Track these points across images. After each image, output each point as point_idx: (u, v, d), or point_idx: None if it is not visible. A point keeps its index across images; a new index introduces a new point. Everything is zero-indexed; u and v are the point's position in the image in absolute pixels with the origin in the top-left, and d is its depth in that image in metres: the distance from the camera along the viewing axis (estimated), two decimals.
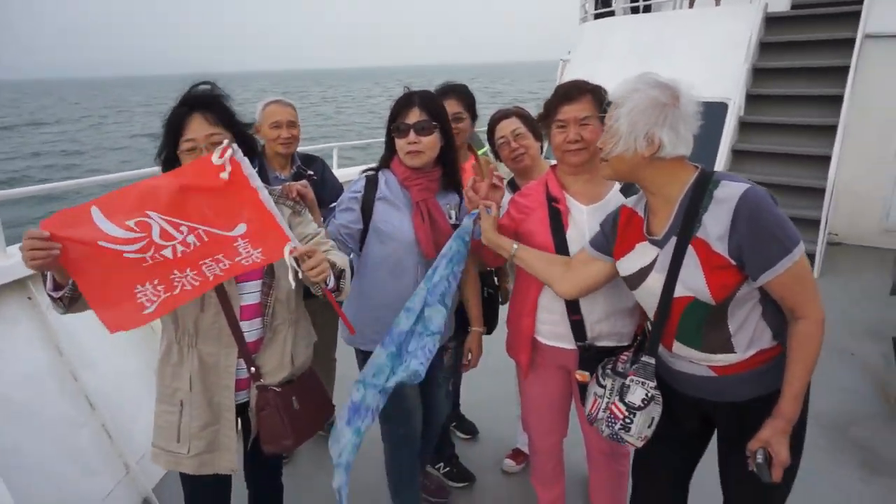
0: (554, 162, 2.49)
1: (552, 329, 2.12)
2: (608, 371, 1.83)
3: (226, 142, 1.60)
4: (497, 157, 2.64)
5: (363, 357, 2.29)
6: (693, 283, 1.54)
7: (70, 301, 1.60)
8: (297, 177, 2.86)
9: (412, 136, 2.11)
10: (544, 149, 2.56)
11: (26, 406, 2.79)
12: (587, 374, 1.98)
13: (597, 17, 8.98)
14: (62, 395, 2.97)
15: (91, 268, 1.51)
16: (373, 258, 2.23)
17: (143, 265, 1.55)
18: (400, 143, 2.14)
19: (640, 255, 1.68)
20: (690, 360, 1.66)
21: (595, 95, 1.97)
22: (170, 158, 1.78)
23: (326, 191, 2.87)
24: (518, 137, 2.46)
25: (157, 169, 1.82)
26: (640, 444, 1.72)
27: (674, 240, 1.58)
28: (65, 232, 1.46)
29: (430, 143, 2.12)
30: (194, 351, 1.81)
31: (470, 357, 2.44)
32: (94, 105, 69.00)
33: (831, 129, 5.76)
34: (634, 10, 8.51)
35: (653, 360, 1.72)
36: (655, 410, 1.69)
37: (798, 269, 1.48)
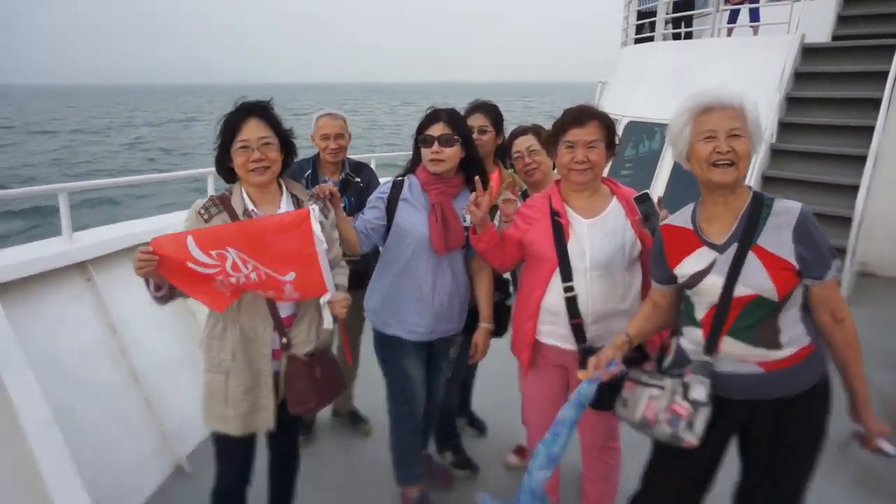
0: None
1: (553, 330, 2.31)
2: (655, 373, 1.95)
3: (314, 209, 1.99)
4: (514, 168, 2.88)
5: (379, 338, 2.65)
6: (758, 281, 1.74)
7: (167, 298, 2.05)
8: (344, 182, 3.19)
9: (436, 146, 2.41)
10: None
11: (81, 374, 3.13)
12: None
13: (637, 41, 9.15)
14: (112, 368, 3.31)
15: (181, 278, 1.97)
16: (392, 251, 2.56)
17: (211, 283, 2.00)
18: (425, 152, 2.45)
19: (695, 260, 1.86)
20: (740, 358, 1.81)
21: (601, 121, 2.19)
22: (222, 155, 2.09)
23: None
24: (532, 153, 2.71)
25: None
26: (698, 442, 1.80)
27: (735, 246, 1.79)
28: (164, 251, 1.91)
29: (452, 154, 2.43)
30: (236, 325, 2.11)
31: (475, 351, 2.66)
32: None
33: (861, 160, 5.77)
34: (675, 37, 8.66)
35: (711, 359, 1.84)
36: (711, 408, 1.80)
37: (836, 278, 1.80)
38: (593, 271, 2.18)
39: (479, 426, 3.59)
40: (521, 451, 3.28)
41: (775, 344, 1.79)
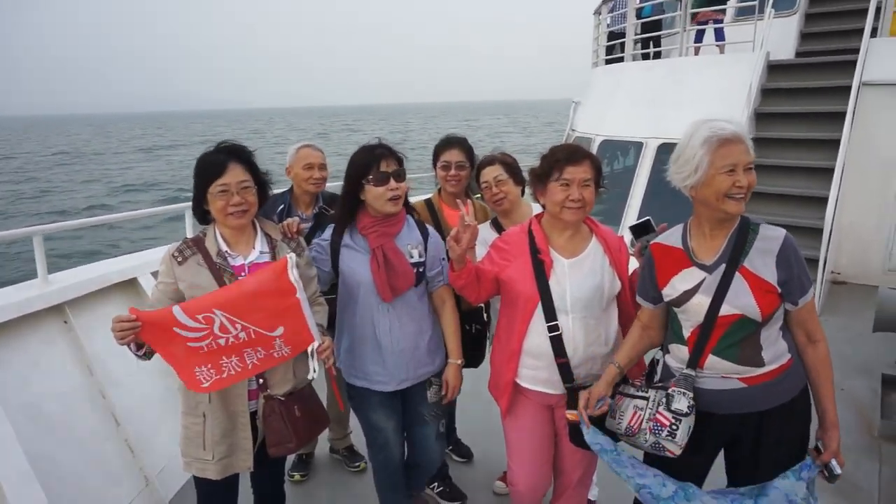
0: (539, 207, 2.73)
1: (534, 374, 2.27)
2: (641, 386, 2.05)
3: (291, 257, 2.00)
4: (482, 197, 2.90)
5: (348, 388, 2.53)
6: (743, 302, 1.82)
7: (151, 354, 2.04)
8: (318, 216, 3.15)
9: (392, 183, 2.29)
10: (525, 192, 2.81)
11: (59, 419, 3.08)
12: (577, 413, 2.14)
13: (607, 62, 9.34)
14: (91, 411, 3.25)
15: (167, 346, 1.97)
16: (343, 300, 2.46)
17: (200, 352, 1.99)
18: (380, 190, 2.29)
19: (684, 280, 1.93)
20: (722, 374, 1.90)
21: (593, 161, 2.17)
22: (198, 196, 2.08)
23: None
24: (499, 183, 2.70)
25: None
26: (679, 451, 1.91)
27: (722, 267, 1.87)
28: (149, 318, 1.93)
29: (405, 189, 2.36)
30: None
31: (447, 389, 2.51)
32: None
33: (830, 172, 5.93)
34: (644, 57, 8.86)
35: (693, 373, 1.93)
36: (692, 420, 1.90)
37: (813, 300, 1.90)
38: (574, 312, 2.16)
39: (464, 453, 3.58)
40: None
41: (757, 361, 1.87)
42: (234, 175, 2.03)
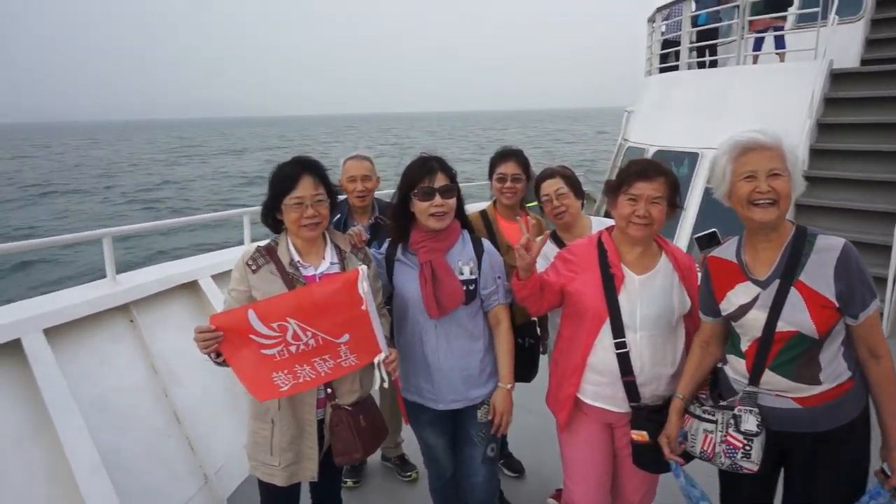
0: (598, 220, 2.70)
1: (597, 390, 2.22)
2: (707, 409, 2.01)
3: (363, 269, 2.03)
4: (542, 210, 2.88)
5: (404, 401, 2.47)
6: (798, 319, 1.78)
7: (227, 362, 2.07)
8: (374, 226, 3.15)
9: (438, 199, 2.24)
10: (584, 205, 2.78)
11: (125, 414, 3.20)
12: (644, 433, 2.11)
13: (661, 70, 9.18)
14: (155, 408, 3.37)
15: (240, 354, 2.03)
16: (397, 314, 2.43)
17: (273, 360, 2.04)
18: (424, 205, 2.25)
19: (739, 294, 1.91)
20: (777, 392, 1.86)
21: (668, 178, 2.10)
22: (271, 206, 2.14)
23: None
24: (560, 196, 2.67)
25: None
26: (757, 468, 1.89)
27: (777, 282, 1.83)
28: (227, 325, 1.99)
29: (453, 205, 2.29)
30: None
31: (494, 415, 2.37)
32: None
33: None
34: (700, 66, 8.67)
35: (756, 389, 1.90)
36: (763, 437, 1.88)
37: (877, 314, 1.81)
38: (643, 330, 2.12)
39: (516, 468, 3.54)
40: (561, 495, 3.22)
41: (814, 379, 1.81)
42: (309, 188, 2.08)
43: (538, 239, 2.13)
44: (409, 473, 3.52)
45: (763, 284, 1.86)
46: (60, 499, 2.63)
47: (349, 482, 3.42)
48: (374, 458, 3.64)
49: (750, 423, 1.87)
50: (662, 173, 2.10)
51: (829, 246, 1.80)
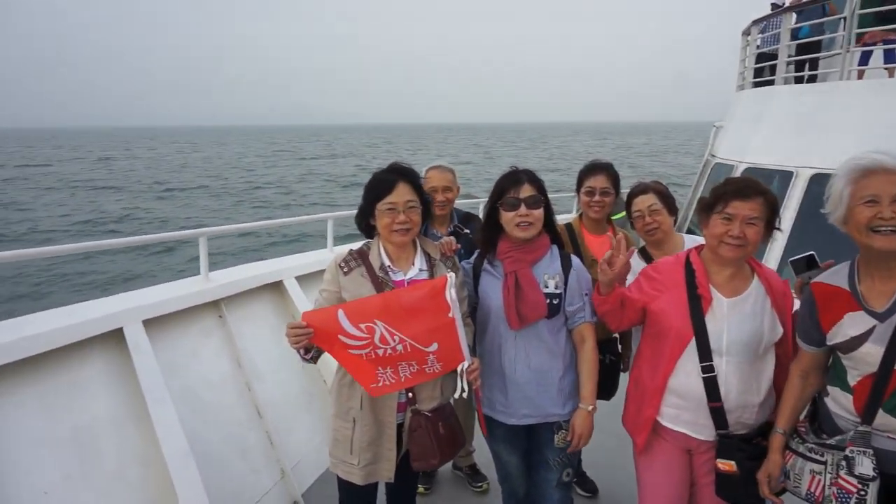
0: (691, 238, 2.61)
1: (677, 414, 2.15)
2: (812, 446, 1.89)
3: (451, 276, 2.07)
4: (633, 225, 2.83)
5: (487, 420, 2.43)
6: None
7: (316, 358, 2.17)
8: (453, 234, 3.17)
9: (523, 209, 2.25)
10: (677, 222, 2.70)
11: (212, 405, 3.36)
12: (732, 462, 2.02)
13: (755, 84, 8.79)
14: (239, 401, 3.52)
15: (331, 350, 2.08)
16: (480, 324, 2.42)
17: (360, 359, 2.08)
18: (510, 215, 2.27)
19: (851, 325, 1.80)
20: (889, 434, 1.74)
21: (766, 198, 2.01)
22: (365, 210, 2.21)
23: None
24: (653, 213, 2.63)
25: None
26: None
27: None
28: (317, 323, 2.04)
29: (539, 216, 2.29)
30: None
31: (573, 436, 2.32)
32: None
33: None
34: (798, 80, 8.24)
35: (870, 430, 1.78)
36: (879, 481, 1.75)
37: None
38: (729, 356, 2.03)
39: (590, 488, 3.47)
40: None
41: None
42: (402, 194, 2.14)
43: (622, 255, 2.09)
44: (479, 484, 3.51)
45: (881, 317, 1.73)
46: (151, 482, 2.79)
47: (421, 488, 3.45)
48: (446, 466, 3.65)
49: (865, 466, 1.73)
50: (761, 192, 2.00)
51: None
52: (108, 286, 13.53)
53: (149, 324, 3.25)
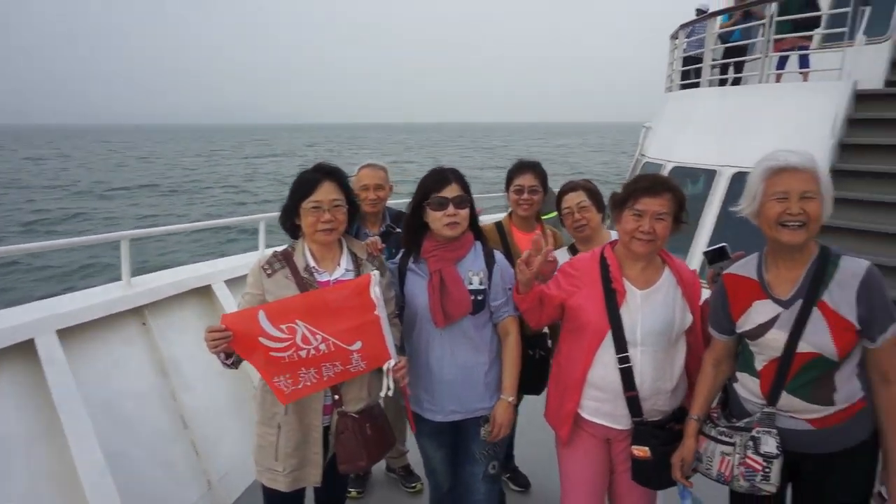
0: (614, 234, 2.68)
1: (597, 406, 2.20)
2: (723, 429, 1.99)
3: (375, 274, 2.05)
4: (563, 223, 2.88)
5: (414, 417, 2.45)
6: (820, 341, 1.79)
7: (237, 363, 2.11)
8: (385, 234, 3.18)
9: (451, 208, 2.27)
10: (606, 220, 2.77)
11: (133, 417, 3.23)
12: (646, 448, 2.09)
13: (682, 87, 9.13)
14: (163, 412, 3.39)
15: (251, 354, 2.03)
16: (406, 323, 2.44)
17: (281, 362, 2.04)
18: (437, 215, 2.28)
19: (758, 313, 1.90)
20: (791, 414, 1.87)
21: (674, 195, 2.09)
22: (290, 209, 2.17)
23: None
24: (582, 210, 2.69)
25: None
26: (776, 489, 1.89)
27: (800, 302, 1.82)
28: (237, 327, 1.98)
29: (466, 216, 2.31)
30: None
31: (493, 426, 2.34)
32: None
33: None
34: (722, 83, 8.60)
35: (775, 410, 1.88)
36: (782, 458, 1.86)
37: (894, 339, 1.80)
38: (644, 346, 2.10)
39: (522, 482, 3.51)
40: None
41: (828, 401, 1.81)
42: (327, 193, 2.12)
43: (543, 254, 2.12)
44: (413, 485, 3.51)
45: (785, 304, 1.85)
46: (65, 501, 2.65)
47: (353, 492, 3.41)
48: (379, 468, 3.62)
49: (770, 445, 1.85)
50: (669, 189, 2.09)
51: (853, 267, 1.80)
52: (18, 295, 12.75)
53: (64, 334, 3.09)
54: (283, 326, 1.99)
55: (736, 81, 8.55)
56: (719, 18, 8.49)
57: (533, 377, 2.79)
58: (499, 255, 2.46)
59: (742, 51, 8.46)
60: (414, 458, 3.52)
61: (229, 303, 4.05)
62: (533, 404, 2.79)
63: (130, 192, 32.61)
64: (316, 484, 2.22)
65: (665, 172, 7.81)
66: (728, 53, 8.58)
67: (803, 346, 1.80)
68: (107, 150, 76.17)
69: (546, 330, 2.98)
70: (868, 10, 6.63)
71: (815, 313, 1.79)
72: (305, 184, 2.14)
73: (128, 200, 29.77)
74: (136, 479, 2.97)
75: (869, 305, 1.76)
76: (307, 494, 2.37)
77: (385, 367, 2.12)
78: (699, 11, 9.58)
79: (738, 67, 8.54)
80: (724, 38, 8.43)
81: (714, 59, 8.56)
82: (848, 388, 1.83)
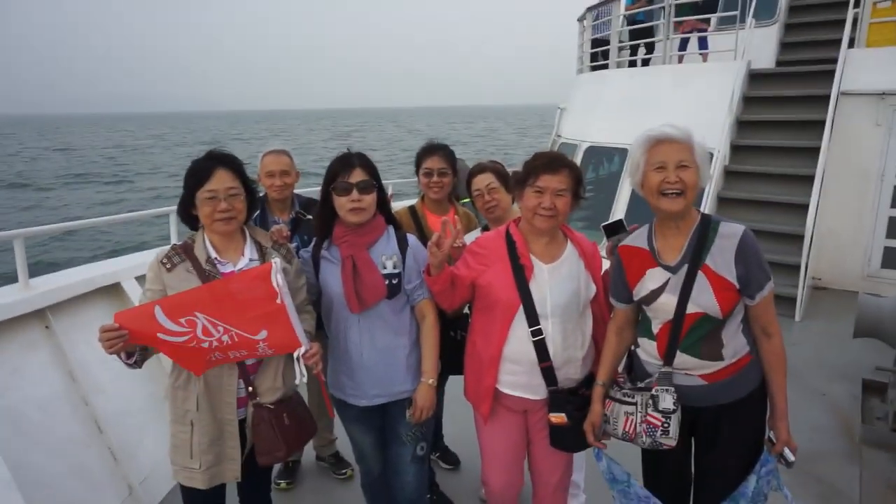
0: None
1: (514, 380, 2.26)
2: (626, 391, 2.11)
3: (276, 262, 1.98)
4: (473, 205, 2.92)
5: (334, 401, 2.45)
6: (705, 301, 1.92)
7: (141, 362, 2.05)
8: (294, 221, 3.10)
9: (355, 194, 2.24)
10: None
11: (41, 426, 3.03)
12: (562, 415, 2.18)
13: (592, 69, 9.42)
14: (73, 418, 3.20)
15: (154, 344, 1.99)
16: (323, 310, 2.42)
17: (185, 347, 1.98)
18: (342, 201, 2.26)
19: (651, 280, 2.02)
20: (686, 371, 1.99)
21: (572, 171, 2.17)
22: (186, 200, 2.08)
23: None
24: (492, 191, 2.73)
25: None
26: (675, 443, 2.00)
27: (686, 267, 1.95)
28: (132, 325, 1.91)
29: (371, 201, 2.29)
30: (200, 375, 2.08)
31: (415, 410, 2.35)
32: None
33: (810, 179, 6.04)
34: (631, 64, 8.95)
35: (671, 369, 2.01)
36: (680, 412, 1.99)
37: (770, 295, 1.96)
38: (554, 317, 2.18)
39: (451, 460, 3.57)
40: None
41: (717, 356, 1.96)
42: (222, 181, 2.03)
43: (452, 235, 2.14)
44: (343, 472, 3.49)
45: (673, 270, 1.98)
46: None
47: (282, 483, 3.36)
48: (308, 457, 3.59)
49: (667, 401, 1.98)
50: (567, 166, 2.16)
51: (730, 232, 1.94)
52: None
53: None
54: (182, 320, 1.92)
55: (645, 63, 8.92)
56: (624, 1, 8.79)
57: (455, 358, 2.83)
58: (412, 238, 2.47)
59: (648, 32, 8.80)
60: (343, 445, 3.51)
61: (141, 300, 3.86)
62: (459, 384, 2.83)
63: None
64: (235, 479, 2.17)
65: (580, 152, 8.08)
66: (636, 35, 8.91)
67: (691, 308, 1.93)
68: None
69: (467, 310, 3.02)
70: None
71: (700, 276, 1.92)
72: (198, 172, 2.04)
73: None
74: (47, 491, 2.80)
75: (746, 266, 1.90)
76: (231, 492, 2.32)
77: (296, 355, 2.07)
78: None
79: (651, 48, 8.89)
80: (630, 20, 8.73)
81: (621, 41, 8.88)
82: (734, 343, 1.96)
